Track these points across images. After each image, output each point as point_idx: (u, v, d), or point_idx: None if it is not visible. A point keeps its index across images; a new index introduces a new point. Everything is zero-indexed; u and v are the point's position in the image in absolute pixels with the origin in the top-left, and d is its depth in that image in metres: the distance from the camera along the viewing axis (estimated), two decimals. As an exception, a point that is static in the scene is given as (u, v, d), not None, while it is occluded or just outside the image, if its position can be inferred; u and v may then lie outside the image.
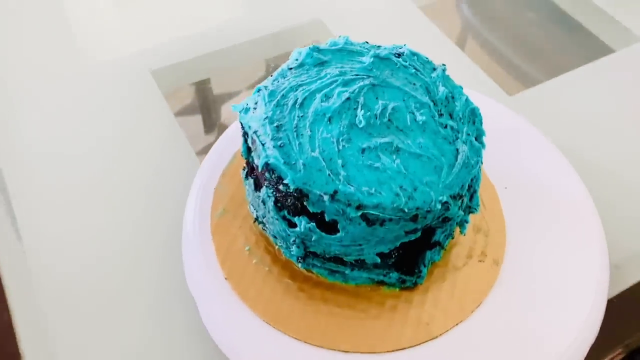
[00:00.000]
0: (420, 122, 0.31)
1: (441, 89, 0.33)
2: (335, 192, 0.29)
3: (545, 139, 0.41)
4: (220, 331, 0.32)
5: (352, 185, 0.29)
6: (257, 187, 0.34)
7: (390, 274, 0.33)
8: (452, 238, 0.34)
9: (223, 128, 0.46)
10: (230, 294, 0.33)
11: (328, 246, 0.31)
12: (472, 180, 0.32)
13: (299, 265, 0.33)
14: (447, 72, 0.35)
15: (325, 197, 0.29)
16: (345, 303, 0.33)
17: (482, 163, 0.33)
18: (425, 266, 0.33)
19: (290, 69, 0.34)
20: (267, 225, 0.34)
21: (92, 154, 0.44)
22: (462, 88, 0.34)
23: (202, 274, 0.34)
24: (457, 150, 0.31)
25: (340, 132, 0.30)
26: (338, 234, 0.30)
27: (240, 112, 0.33)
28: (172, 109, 0.48)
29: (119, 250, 0.39)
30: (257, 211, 0.34)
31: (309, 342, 0.31)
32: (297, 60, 0.34)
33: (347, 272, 0.33)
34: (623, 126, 0.47)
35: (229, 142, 0.40)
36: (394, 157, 0.30)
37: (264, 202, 0.32)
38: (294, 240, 0.31)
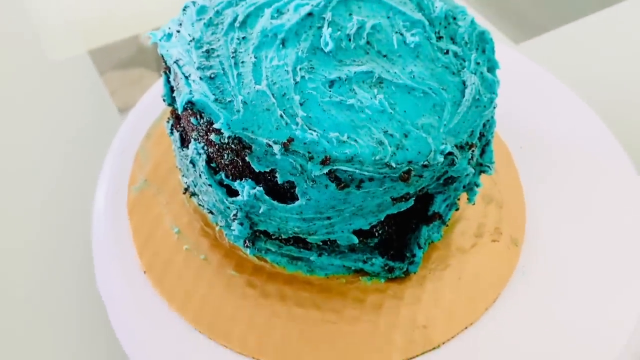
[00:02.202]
0: (412, 45, 0.22)
1: (438, 4, 0.24)
2: (290, 140, 0.19)
3: (567, 87, 0.32)
4: (137, 344, 0.23)
5: (314, 130, 0.20)
6: (184, 142, 0.24)
7: (373, 260, 0.24)
8: (457, 209, 0.25)
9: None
10: (151, 293, 0.24)
11: (283, 221, 0.22)
12: (484, 125, 0.23)
13: (247, 251, 0.24)
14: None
15: (276, 148, 0.19)
16: (311, 301, 0.23)
17: (496, 105, 0.24)
18: (420, 248, 0.24)
19: None
20: (200, 197, 0.24)
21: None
22: (465, 8, 0.25)
23: (113, 268, 0.24)
24: (464, 82, 0.22)
25: (298, 59, 0.21)
26: (296, 203, 0.21)
27: (160, 40, 0.24)
28: (98, 66, 0.38)
29: (21, 237, 0.29)
30: (186, 177, 0.25)
31: (260, 358, 0.22)
32: None
33: (312, 258, 0.23)
34: None
35: (155, 99, 0.31)
36: (376, 91, 0.21)
37: (193, 163, 0.23)
38: (235, 215, 0.22)
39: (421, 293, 0.24)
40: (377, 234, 0.23)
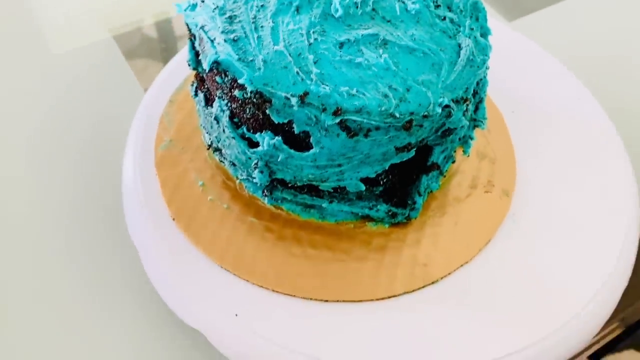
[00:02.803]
0: (413, 12, 0.25)
1: (436, -25, 0.27)
2: (306, 93, 0.22)
3: (553, 57, 0.35)
4: (168, 284, 0.26)
5: (327, 85, 0.22)
6: (209, 101, 0.27)
7: (378, 206, 0.26)
8: (453, 162, 0.28)
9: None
10: (179, 237, 0.26)
11: (299, 169, 0.24)
12: (477, 84, 0.25)
13: (265, 200, 0.26)
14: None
15: (294, 101, 0.22)
16: (323, 243, 0.26)
17: (488, 67, 0.26)
18: (420, 195, 0.26)
19: None
20: (223, 152, 0.27)
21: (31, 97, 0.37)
22: None
23: (142, 216, 0.27)
24: (460, 45, 0.24)
25: (311, 23, 0.24)
26: (311, 151, 0.23)
27: (185, 10, 0.26)
28: (122, 48, 0.41)
29: (56, 193, 0.32)
30: (210, 134, 0.27)
31: (280, 290, 0.25)
32: None
33: (324, 205, 0.26)
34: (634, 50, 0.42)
35: (179, 67, 0.33)
36: (381, 51, 0.23)
37: (217, 120, 0.26)
38: (256, 164, 0.25)
39: (421, 236, 0.27)
40: (381, 183, 0.26)
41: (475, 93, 0.25)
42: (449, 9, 0.26)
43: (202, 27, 0.24)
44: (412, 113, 0.22)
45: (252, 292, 0.25)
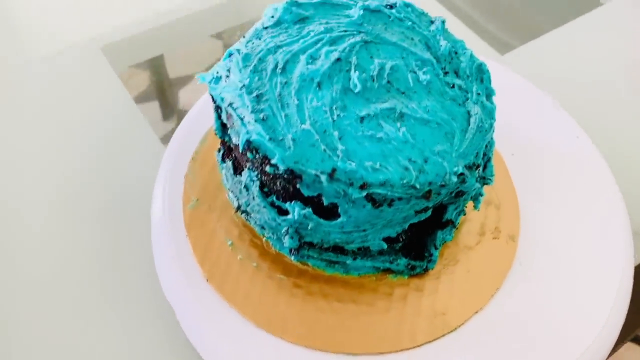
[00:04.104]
0: (425, 82, 0.27)
1: (443, 43, 0.29)
2: (334, 170, 0.24)
3: (551, 100, 0.37)
4: (207, 342, 0.27)
5: (353, 161, 0.24)
6: (237, 170, 0.29)
7: (398, 261, 0.29)
8: (464, 214, 0.30)
9: (182, 114, 0.40)
10: (214, 297, 0.28)
11: (327, 234, 0.26)
12: (486, 146, 0.27)
13: (292, 258, 0.28)
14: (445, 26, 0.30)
15: (323, 177, 0.24)
16: (348, 297, 0.28)
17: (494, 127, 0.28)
18: (436, 248, 0.29)
19: (266, 28, 0.28)
20: (251, 215, 0.29)
21: (45, 146, 0.38)
22: (464, 42, 0.30)
23: (178, 277, 0.29)
24: (469, 112, 0.27)
25: (333, 99, 0.26)
26: (339, 220, 0.25)
27: (209, 82, 0.28)
28: (130, 93, 0.42)
29: (81, 252, 0.33)
30: (238, 199, 0.29)
31: (312, 346, 0.27)
32: (272, 17, 0.29)
33: (348, 262, 0.28)
34: (623, 80, 0.44)
35: (195, 123, 0.35)
36: (399, 124, 0.25)
37: (247, 188, 0.27)
38: (287, 230, 0.27)
39: (438, 285, 0.29)
40: (401, 240, 0.28)
41: (484, 154, 0.27)
42: (457, 74, 0.28)
43: (230, 105, 0.26)
44: (430, 183, 0.25)
45: (286, 348, 0.27)
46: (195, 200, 0.31)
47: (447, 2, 0.50)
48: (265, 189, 0.27)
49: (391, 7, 0.30)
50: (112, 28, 0.46)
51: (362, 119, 0.25)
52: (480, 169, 0.28)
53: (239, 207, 0.30)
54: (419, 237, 0.29)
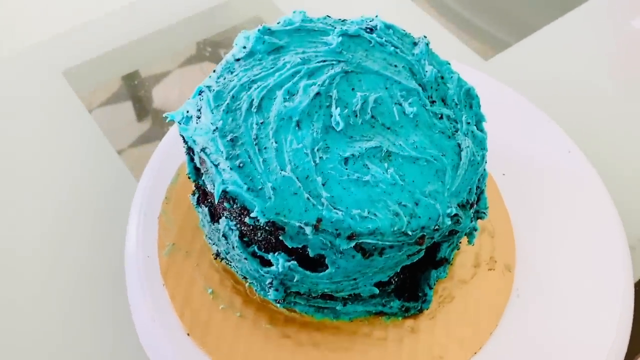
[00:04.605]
0: (411, 115, 0.25)
1: (428, 68, 0.27)
2: (319, 220, 0.22)
3: (542, 113, 0.36)
4: (190, 400, 0.26)
5: (339, 210, 0.22)
6: (214, 217, 0.27)
7: (391, 303, 0.27)
8: (458, 249, 0.28)
9: (157, 113, 0.39)
10: (196, 351, 0.26)
11: (314, 285, 0.25)
12: (479, 179, 0.26)
13: (278, 305, 0.27)
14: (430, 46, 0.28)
15: (307, 229, 0.22)
16: (340, 345, 0.27)
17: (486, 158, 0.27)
18: (430, 288, 0.27)
19: (238, 60, 0.26)
20: (232, 263, 0.27)
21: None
22: (449, 64, 0.28)
23: (157, 331, 0.27)
24: (459, 145, 0.25)
25: (314, 140, 0.24)
26: (327, 271, 0.24)
27: (179, 122, 0.26)
28: (89, 107, 0.40)
29: (47, 300, 0.31)
30: (217, 246, 0.27)
31: (303, 403, 0.25)
32: (244, 48, 0.27)
33: (338, 307, 0.27)
34: (612, 84, 0.43)
35: (167, 156, 0.32)
36: (386, 165, 0.24)
37: (225, 237, 0.25)
38: (271, 283, 0.25)
39: (434, 325, 0.27)
40: (393, 282, 0.26)
41: (477, 188, 0.26)
42: (444, 102, 0.26)
43: (203, 150, 0.24)
44: (423, 228, 0.23)
45: (277, 405, 0.25)
46: (171, 245, 0.29)
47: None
48: (246, 239, 0.25)
49: (371, 30, 0.28)
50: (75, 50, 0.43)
51: (346, 160, 0.23)
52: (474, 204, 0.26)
53: (218, 254, 0.28)
54: (411, 278, 0.27)
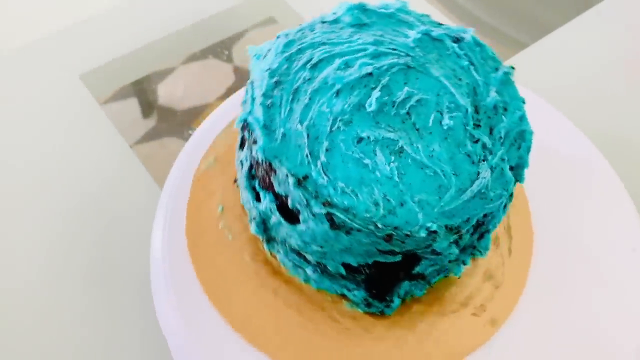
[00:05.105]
0: (445, 127, 0.25)
1: (493, 94, 0.26)
2: (305, 177, 0.24)
3: (560, 114, 0.34)
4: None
5: (327, 176, 0.24)
6: (241, 144, 0.29)
7: (355, 292, 0.27)
8: (446, 276, 0.28)
9: (162, 110, 0.40)
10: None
11: (288, 236, 0.26)
12: (486, 216, 0.25)
13: (265, 245, 0.29)
14: (512, 77, 0.27)
15: (291, 180, 0.24)
16: (296, 306, 0.28)
17: (509, 201, 0.26)
18: (399, 298, 0.27)
19: (323, 22, 0.28)
20: (240, 190, 0.30)
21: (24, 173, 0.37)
22: (523, 101, 0.27)
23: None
24: (478, 173, 0.24)
25: (342, 111, 0.25)
26: (298, 226, 0.25)
27: (253, 56, 0.29)
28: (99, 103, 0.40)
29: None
30: (238, 172, 0.30)
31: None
32: (334, 14, 0.29)
33: (308, 271, 0.28)
34: (630, 84, 0.40)
35: (192, 157, 0.32)
36: (392, 158, 0.24)
37: (241, 164, 0.28)
38: (255, 217, 0.27)
39: (386, 334, 0.27)
40: (363, 272, 0.27)
41: (479, 224, 0.25)
42: (490, 131, 0.25)
43: (252, 82, 0.27)
44: (395, 228, 0.23)
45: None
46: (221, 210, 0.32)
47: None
48: (252, 172, 0.27)
49: (457, 40, 0.28)
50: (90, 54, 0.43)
51: (360, 139, 0.24)
52: (474, 237, 0.25)
53: (235, 180, 0.30)
54: (385, 278, 0.27)
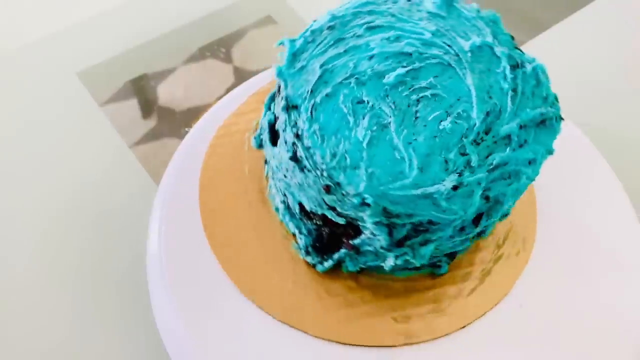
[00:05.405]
0: (441, 128, 0.25)
1: (512, 125, 0.25)
2: (295, 106, 0.26)
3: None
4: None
5: (311, 114, 0.25)
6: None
7: (304, 237, 0.29)
8: (378, 268, 0.28)
9: (162, 110, 0.40)
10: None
11: (270, 157, 0.29)
12: (431, 223, 0.24)
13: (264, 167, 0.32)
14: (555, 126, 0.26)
15: (282, 104, 0.26)
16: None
17: (470, 229, 0.25)
18: (332, 261, 0.28)
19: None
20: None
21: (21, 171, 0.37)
22: (549, 153, 0.25)
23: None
24: (443, 180, 0.24)
25: (362, 72, 0.26)
26: (275, 148, 0.27)
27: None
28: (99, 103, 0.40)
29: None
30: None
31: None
32: None
33: (277, 200, 0.30)
34: (625, 81, 0.41)
35: (188, 156, 0.33)
36: (375, 128, 0.25)
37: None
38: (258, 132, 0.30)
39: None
40: (314, 222, 0.28)
41: (423, 229, 0.24)
42: (487, 156, 0.25)
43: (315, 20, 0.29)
44: (337, 184, 0.24)
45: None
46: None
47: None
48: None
49: (516, 66, 0.26)
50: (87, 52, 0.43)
51: (360, 101, 0.25)
52: (407, 233, 0.25)
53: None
54: (330, 237, 0.28)
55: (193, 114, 0.39)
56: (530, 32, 0.45)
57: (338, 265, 0.28)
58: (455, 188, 0.24)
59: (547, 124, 0.26)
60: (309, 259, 0.29)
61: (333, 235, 0.28)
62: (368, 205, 0.24)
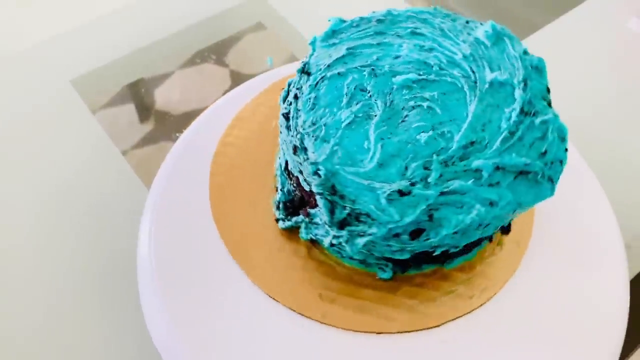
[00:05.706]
0: (412, 139, 0.25)
1: (488, 162, 0.25)
2: (306, 71, 0.28)
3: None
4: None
5: (316, 86, 0.28)
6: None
7: (280, 192, 0.31)
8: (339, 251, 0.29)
9: (160, 115, 0.40)
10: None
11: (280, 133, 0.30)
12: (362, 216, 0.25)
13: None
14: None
15: (298, 66, 0.29)
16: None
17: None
18: (294, 223, 0.30)
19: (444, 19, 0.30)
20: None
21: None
22: (519, 206, 0.25)
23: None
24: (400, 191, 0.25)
25: (380, 66, 0.28)
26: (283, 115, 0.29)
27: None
28: (92, 109, 0.40)
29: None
30: None
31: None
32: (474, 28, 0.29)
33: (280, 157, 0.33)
34: (612, 83, 0.42)
35: (180, 159, 0.33)
36: (359, 115, 0.26)
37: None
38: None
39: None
40: (292, 178, 0.30)
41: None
42: (476, 172, 0.25)
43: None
44: (305, 149, 0.26)
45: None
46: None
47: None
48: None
49: (527, 115, 0.26)
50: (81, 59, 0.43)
51: (363, 89, 0.27)
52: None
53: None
54: (300, 201, 0.30)
55: (190, 118, 0.37)
56: (519, 33, 0.42)
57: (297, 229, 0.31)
58: (401, 193, 0.25)
59: (529, 177, 0.25)
60: (277, 213, 0.31)
61: (302, 201, 0.30)
62: (319, 176, 0.25)
